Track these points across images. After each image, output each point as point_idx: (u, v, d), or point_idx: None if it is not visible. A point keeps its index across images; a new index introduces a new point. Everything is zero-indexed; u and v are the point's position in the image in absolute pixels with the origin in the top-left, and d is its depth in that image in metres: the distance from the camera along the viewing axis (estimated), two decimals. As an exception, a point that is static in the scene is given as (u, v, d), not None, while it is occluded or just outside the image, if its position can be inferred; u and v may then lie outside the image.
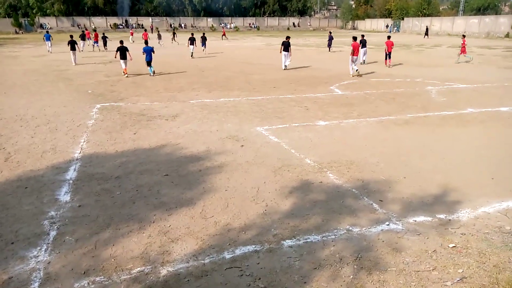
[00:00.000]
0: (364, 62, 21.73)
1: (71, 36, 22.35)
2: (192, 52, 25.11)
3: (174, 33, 40.47)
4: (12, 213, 4.95)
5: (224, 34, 48.44)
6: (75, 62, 21.25)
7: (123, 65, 17.06)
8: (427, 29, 54.74)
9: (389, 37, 20.96)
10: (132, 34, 43.02)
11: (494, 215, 4.93)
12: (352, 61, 17.12)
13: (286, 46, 19.28)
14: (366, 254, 4.09)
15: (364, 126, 9.14)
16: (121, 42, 17.71)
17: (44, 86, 14.47)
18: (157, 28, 54.90)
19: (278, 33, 68.60)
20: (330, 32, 32.19)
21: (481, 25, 55.22)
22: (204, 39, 27.09)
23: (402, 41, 44.29)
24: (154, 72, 17.40)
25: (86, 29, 39.31)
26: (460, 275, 3.75)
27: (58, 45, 32.02)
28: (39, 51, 30.47)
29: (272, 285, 3.61)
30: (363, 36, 21.81)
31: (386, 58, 20.79)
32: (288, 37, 19.61)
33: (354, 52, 16.99)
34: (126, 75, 16.98)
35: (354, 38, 17.59)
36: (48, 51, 28.31)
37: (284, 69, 19.54)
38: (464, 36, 24.23)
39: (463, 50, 22.50)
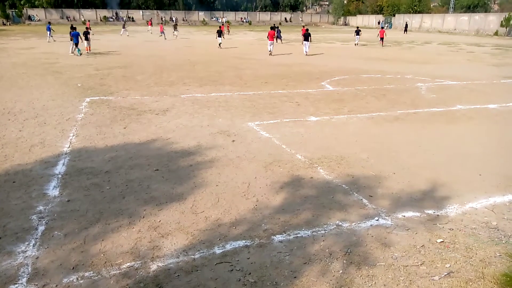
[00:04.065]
0: (356, 45, 32.49)
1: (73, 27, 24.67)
2: (220, 43, 28.42)
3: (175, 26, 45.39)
4: (-1, 208, 4.88)
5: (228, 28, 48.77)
6: (71, 51, 22.64)
7: (85, 44, 22.96)
8: (406, 25, 57.46)
9: (382, 27, 35.81)
10: (150, 24, 53.51)
11: (481, 210, 5.01)
12: (270, 44, 24.07)
13: (306, 36, 24.20)
14: (356, 249, 4.12)
15: (355, 122, 9.18)
16: (86, 28, 24.40)
17: (32, 79, 14.25)
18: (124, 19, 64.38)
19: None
20: (277, 26, 33.57)
21: (471, 22, 55.74)
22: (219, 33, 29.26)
23: (393, 37, 44.50)
24: (81, 54, 22.11)
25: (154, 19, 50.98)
26: (448, 270, 3.80)
27: (47, 37, 31.50)
28: (28, 43, 30.00)
29: (262, 280, 3.63)
30: (358, 27, 35.53)
31: (381, 40, 32.44)
32: (307, 29, 26.01)
33: (269, 38, 24.10)
34: (87, 52, 22.91)
35: (271, 28, 25.22)
36: (48, 41, 31.09)
37: (306, 55, 23.99)
38: (304, 26, 34.82)
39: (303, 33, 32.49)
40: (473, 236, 4.42)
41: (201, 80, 14.61)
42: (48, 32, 31.00)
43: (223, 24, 47.32)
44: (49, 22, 36.88)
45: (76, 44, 22.03)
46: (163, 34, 37.91)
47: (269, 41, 24.11)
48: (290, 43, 34.08)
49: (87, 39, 23.08)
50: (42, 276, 3.63)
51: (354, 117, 9.56)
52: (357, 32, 32.62)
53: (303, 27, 34.17)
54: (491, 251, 4.12)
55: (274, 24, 28.21)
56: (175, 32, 37.76)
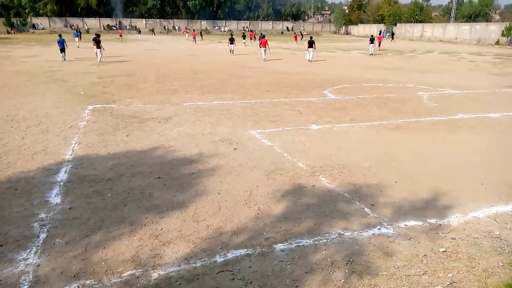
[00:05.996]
0: (372, 54, 32.14)
1: (98, 35, 25.16)
2: (232, 50, 30.48)
3: (201, 34, 60.41)
4: (1, 215, 4.89)
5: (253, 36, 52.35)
6: (99, 59, 23.71)
7: (101, 50, 23.80)
8: (392, 33, 60.73)
9: (380, 33, 38.15)
10: (186, 32, 65.89)
11: (483, 220, 4.99)
12: (264, 51, 26.02)
13: (310, 44, 25.44)
14: (358, 258, 4.10)
15: (357, 130, 9.19)
16: (97, 35, 24.33)
17: (36, 87, 14.35)
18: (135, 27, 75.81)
19: (272, 37, 68.79)
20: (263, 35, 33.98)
21: (472, 32, 56.02)
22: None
23: (394, 46, 44.69)
24: (65, 59, 23.46)
25: (189, 29, 65.28)
26: (450, 280, 3.78)
27: (50, 45, 31.77)
28: (31, 51, 30.24)
29: (263, 289, 3.61)
30: (372, 36, 34.75)
31: (378, 45, 36.40)
32: (311, 37, 27.74)
33: (262, 45, 26.12)
34: (99, 60, 23.50)
35: (263, 36, 27.37)
36: (78, 46, 34.66)
37: (309, 61, 25.38)
38: (282, 32, 48.09)
39: (295, 39, 44.38)
40: (476, 245, 4.39)
41: (203, 88, 14.67)
42: (77, 38, 37.01)
43: (251, 31, 58.68)
44: (76, 30, 44.27)
45: (62, 50, 23.53)
46: (194, 40, 48.48)
47: (262, 48, 26.11)
48: (293, 52, 34.22)
49: (99, 47, 23.76)
50: (43, 284, 3.63)
51: (356, 126, 9.57)
52: (372, 41, 31.91)
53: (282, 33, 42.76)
54: (494, 261, 4.09)
55: (262, 33, 32.29)
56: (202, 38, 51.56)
